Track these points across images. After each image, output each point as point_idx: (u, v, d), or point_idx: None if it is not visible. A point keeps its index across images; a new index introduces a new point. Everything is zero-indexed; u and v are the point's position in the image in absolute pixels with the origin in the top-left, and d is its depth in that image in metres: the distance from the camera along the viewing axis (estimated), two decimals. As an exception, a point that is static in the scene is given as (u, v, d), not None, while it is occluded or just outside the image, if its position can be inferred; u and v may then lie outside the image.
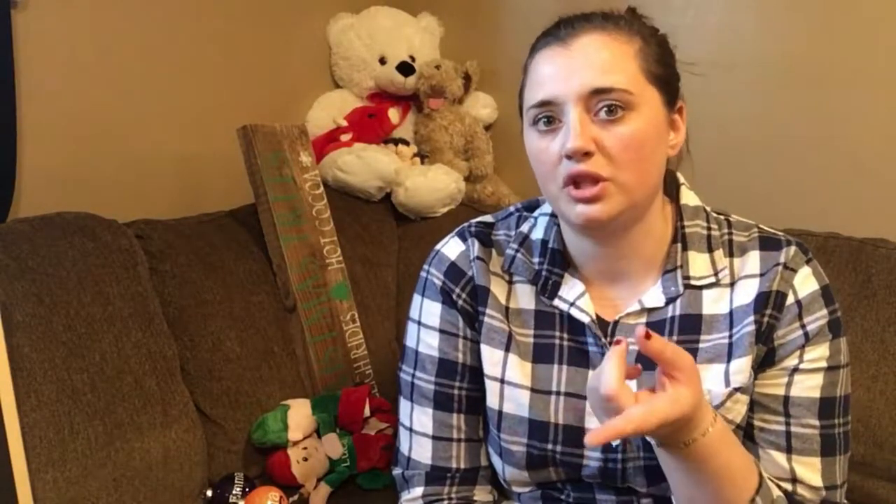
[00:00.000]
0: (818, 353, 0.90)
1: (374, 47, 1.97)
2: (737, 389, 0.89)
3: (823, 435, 0.90)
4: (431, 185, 1.81)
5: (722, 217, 0.97)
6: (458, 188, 1.85)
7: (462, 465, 0.99)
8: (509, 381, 0.95)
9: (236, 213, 1.67)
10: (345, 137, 1.94)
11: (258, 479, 1.43)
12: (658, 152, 0.88)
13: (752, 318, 0.89)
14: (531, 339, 0.96)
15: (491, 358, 0.96)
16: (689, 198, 0.96)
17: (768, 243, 0.93)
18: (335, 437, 1.47)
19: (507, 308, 0.97)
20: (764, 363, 0.91)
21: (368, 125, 1.97)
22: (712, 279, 0.92)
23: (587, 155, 0.84)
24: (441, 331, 0.99)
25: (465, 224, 1.03)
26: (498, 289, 0.98)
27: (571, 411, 0.92)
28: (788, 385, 0.90)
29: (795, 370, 0.90)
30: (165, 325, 1.43)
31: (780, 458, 0.90)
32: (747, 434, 0.92)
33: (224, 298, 1.51)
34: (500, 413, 0.95)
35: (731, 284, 0.92)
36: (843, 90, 1.50)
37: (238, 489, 1.36)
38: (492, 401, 0.96)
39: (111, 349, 1.33)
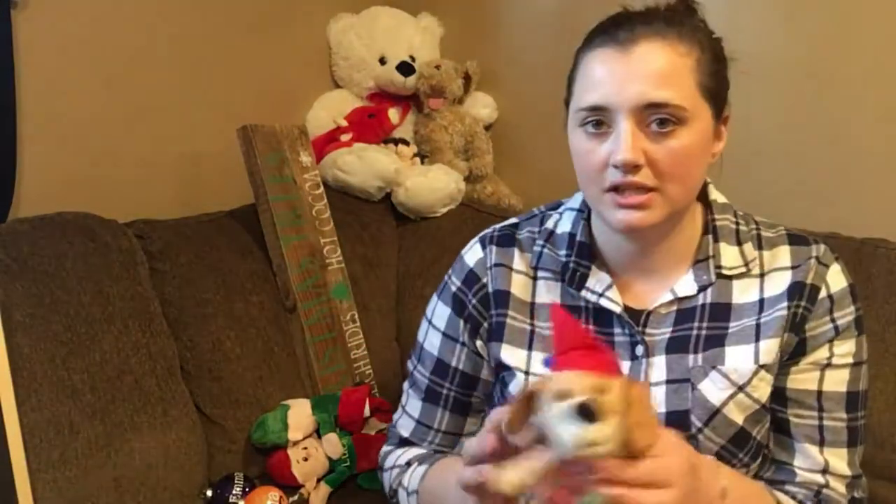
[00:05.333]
0: (846, 349, 0.93)
1: (374, 47, 1.97)
2: (762, 367, 0.91)
3: (849, 427, 0.94)
4: (431, 185, 1.81)
5: (746, 214, 1.00)
6: (458, 188, 1.85)
7: (433, 448, 1.08)
8: (534, 373, 0.98)
9: (236, 213, 1.67)
10: (345, 137, 1.94)
11: (258, 479, 1.43)
12: (703, 163, 0.90)
13: (785, 304, 0.92)
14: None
15: (514, 356, 0.98)
16: (717, 195, 0.99)
17: (797, 240, 0.96)
18: (335, 437, 1.47)
19: (532, 304, 0.99)
20: (795, 353, 0.93)
21: (368, 125, 1.97)
22: (743, 269, 0.94)
23: (636, 167, 0.85)
24: (444, 334, 1.04)
25: (489, 230, 1.05)
26: (521, 288, 1.00)
27: None
28: (821, 380, 0.93)
29: (827, 366, 0.93)
30: (165, 325, 1.43)
31: (814, 450, 0.94)
32: (780, 428, 0.96)
33: (224, 298, 1.51)
34: None
35: (761, 275, 0.94)
36: (844, 90, 1.50)
37: (238, 489, 1.36)
38: (517, 390, 0.98)
39: (111, 349, 1.33)
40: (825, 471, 0.94)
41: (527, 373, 0.97)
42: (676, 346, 0.93)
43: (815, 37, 1.52)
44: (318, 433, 1.49)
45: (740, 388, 0.91)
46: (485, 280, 1.01)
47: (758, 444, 0.95)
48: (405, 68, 1.94)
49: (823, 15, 1.51)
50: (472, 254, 1.03)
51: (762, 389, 0.92)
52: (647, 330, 0.94)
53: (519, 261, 1.01)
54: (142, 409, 1.34)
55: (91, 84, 1.58)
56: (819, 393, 0.93)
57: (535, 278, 1.00)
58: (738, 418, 0.91)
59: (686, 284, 0.94)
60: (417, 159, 1.96)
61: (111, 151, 1.63)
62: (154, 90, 1.68)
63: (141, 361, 1.36)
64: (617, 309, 0.94)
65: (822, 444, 0.94)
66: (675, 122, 0.84)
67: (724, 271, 0.94)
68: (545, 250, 1.00)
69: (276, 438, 1.44)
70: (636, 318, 0.94)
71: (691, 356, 0.92)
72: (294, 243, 1.61)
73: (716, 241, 0.95)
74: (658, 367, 0.93)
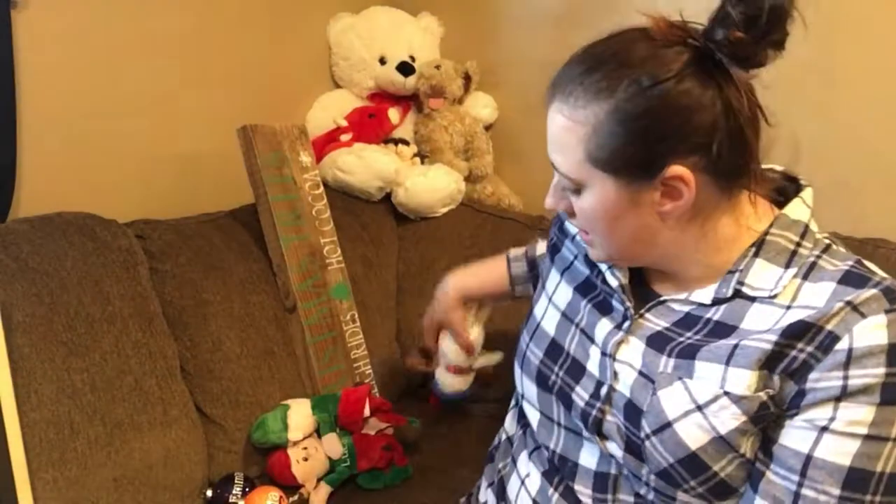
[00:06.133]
0: (859, 416, 0.77)
1: (374, 47, 1.97)
2: (727, 394, 0.81)
3: None
4: (431, 185, 1.81)
5: (826, 241, 0.88)
6: (458, 188, 1.85)
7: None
8: (554, 302, 1.04)
9: (236, 213, 1.67)
10: (345, 137, 1.94)
11: (258, 479, 1.43)
12: (626, 224, 0.86)
13: (774, 338, 0.80)
14: (584, 270, 1.02)
15: (553, 278, 1.07)
16: (794, 211, 0.88)
17: (850, 279, 0.81)
18: (335, 437, 1.47)
19: (575, 235, 1.06)
20: (791, 405, 0.81)
21: (368, 125, 1.97)
22: (767, 293, 0.84)
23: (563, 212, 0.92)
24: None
25: None
26: None
27: (580, 347, 0.96)
28: (814, 444, 0.79)
29: (826, 429, 0.78)
30: (165, 325, 1.43)
31: None
32: (751, 477, 0.84)
33: (224, 298, 1.51)
34: (539, 324, 1.04)
35: (787, 308, 0.83)
36: (844, 89, 1.50)
37: (238, 489, 1.36)
38: (539, 310, 1.06)
39: (111, 349, 1.33)
40: None
41: (550, 298, 1.04)
42: (657, 342, 0.88)
43: (816, 34, 1.52)
44: (318, 433, 1.49)
45: (698, 408, 0.82)
46: None
47: (721, 482, 0.83)
48: (405, 68, 1.94)
49: (825, 12, 1.51)
50: None
51: (723, 419, 0.81)
52: (647, 315, 0.91)
53: None
54: (142, 409, 1.34)
55: (91, 84, 1.58)
56: (808, 458, 0.79)
57: None
58: (692, 443, 0.82)
59: (705, 292, 0.88)
60: (417, 159, 1.96)
61: (111, 151, 1.63)
62: (154, 90, 1.68)
63: (141, 361, 1.36)
64: (615, 283, 0.95)
65: None
66: (574, 183, 0.86)
67: (747, 290, 0.85)
68: None
69: (276, 438, 1.44)
70: (648, 299, 0.92)
71: (664, 358, 0.86)
72: (294, 243, 1.61)
73: (755, 255, 0.86)
74: (634, 349, 0.89)
